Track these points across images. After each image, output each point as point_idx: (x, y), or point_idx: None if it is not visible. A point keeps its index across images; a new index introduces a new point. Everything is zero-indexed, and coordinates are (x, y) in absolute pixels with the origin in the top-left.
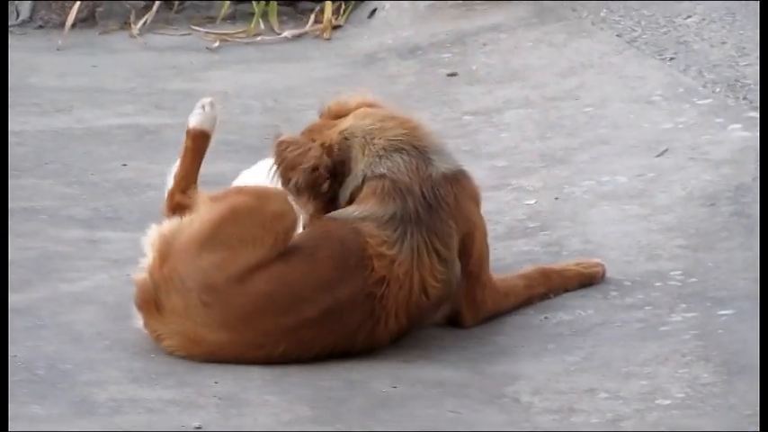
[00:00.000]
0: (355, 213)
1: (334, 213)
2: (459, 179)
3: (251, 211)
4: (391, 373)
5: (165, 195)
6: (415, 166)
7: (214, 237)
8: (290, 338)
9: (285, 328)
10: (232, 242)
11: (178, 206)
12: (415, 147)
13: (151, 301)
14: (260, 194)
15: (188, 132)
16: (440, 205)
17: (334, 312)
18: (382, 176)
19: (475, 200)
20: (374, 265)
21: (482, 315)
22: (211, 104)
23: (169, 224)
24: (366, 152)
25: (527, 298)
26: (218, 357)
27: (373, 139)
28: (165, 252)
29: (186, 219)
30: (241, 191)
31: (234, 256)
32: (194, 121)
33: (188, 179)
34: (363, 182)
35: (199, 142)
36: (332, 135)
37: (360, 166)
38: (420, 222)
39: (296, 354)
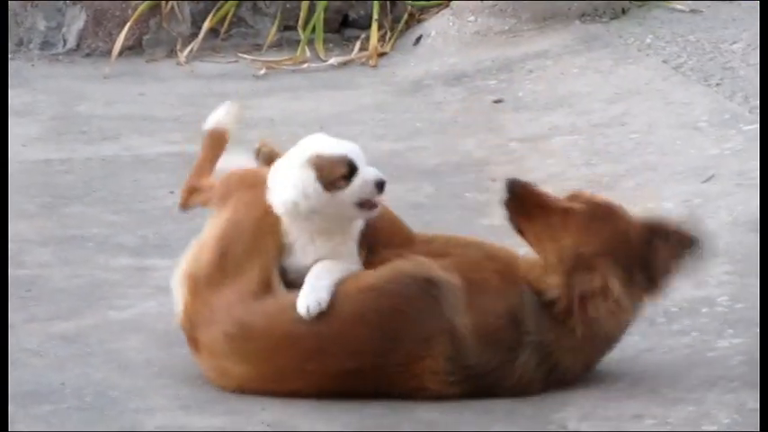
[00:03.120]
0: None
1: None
2: None
3: (245, 214)
4: (439, 400)
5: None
6: None
7: (225, 258)
8: (304, 378)
9: (305, 369)
10: (240, 260)
11: (192, 189)
12: None
13: (192, 339)
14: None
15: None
16: None
17: (360, 374)
18: None
19: None
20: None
21: None
22: (228, 108)
23: (187, 258)
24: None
25: None
26: (248, 389)
27: None
28: (194, 288)
29: (197, 245)
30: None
31: (245, 274)
32: (210, 122)
33: (203, 169)
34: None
35: (215, 138)
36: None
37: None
38: None
39: (314, 391)
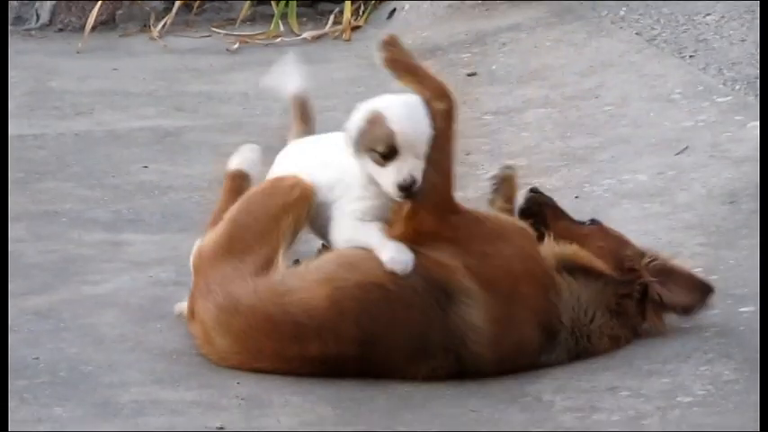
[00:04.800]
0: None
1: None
2: None
3: (263, 202)
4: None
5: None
6: None
7: (232, 238)
8: (283, 361)
9: (284, 353)
10: (248, 243)
11: None
12: None
13: (190, 310)
14: (271, 184)
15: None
16: None
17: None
18: None
19: None
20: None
21: None
22: (251, 150)
23: (204, 236)
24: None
25: None
26: (228, 363)
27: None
28: (198, 265)
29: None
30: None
31: (250, 256)
32: (233, 162)
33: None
34: None
35: (236, 182)
36: None
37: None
38: None
39: (293, 372)
